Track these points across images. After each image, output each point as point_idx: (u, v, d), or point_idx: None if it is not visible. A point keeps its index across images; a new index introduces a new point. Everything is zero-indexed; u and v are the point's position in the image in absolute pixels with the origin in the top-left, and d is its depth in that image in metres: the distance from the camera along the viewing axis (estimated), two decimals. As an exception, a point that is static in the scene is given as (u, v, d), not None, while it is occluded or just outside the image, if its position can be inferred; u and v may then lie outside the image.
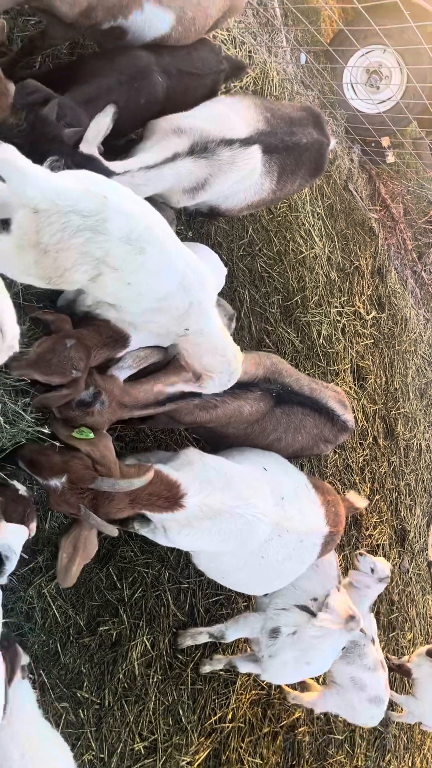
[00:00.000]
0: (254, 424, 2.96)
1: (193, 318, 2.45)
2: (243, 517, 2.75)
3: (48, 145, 2.43)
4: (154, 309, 2.38)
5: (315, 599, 3.31)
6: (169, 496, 2.61)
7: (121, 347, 2.56)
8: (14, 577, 2.82)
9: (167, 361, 2.75)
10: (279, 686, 4.01)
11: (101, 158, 2.46)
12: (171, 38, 2.86)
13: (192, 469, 2.71)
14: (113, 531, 2.41)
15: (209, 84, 3.02)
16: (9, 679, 2.22)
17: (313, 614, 3.21)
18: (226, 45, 4.44)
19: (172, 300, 2.37)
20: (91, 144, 2.47)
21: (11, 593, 2.84)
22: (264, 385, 2.93)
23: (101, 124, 2.50)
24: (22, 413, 2.42)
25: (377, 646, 3.89)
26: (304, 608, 3.26)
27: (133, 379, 2.69)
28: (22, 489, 2.41)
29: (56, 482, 2.38)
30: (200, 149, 2.70)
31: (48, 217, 1.97)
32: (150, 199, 2.63)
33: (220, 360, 2.60)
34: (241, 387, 2.87)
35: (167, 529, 2.71)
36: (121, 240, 2.08)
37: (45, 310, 2.54)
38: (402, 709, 4.72)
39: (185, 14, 2.82)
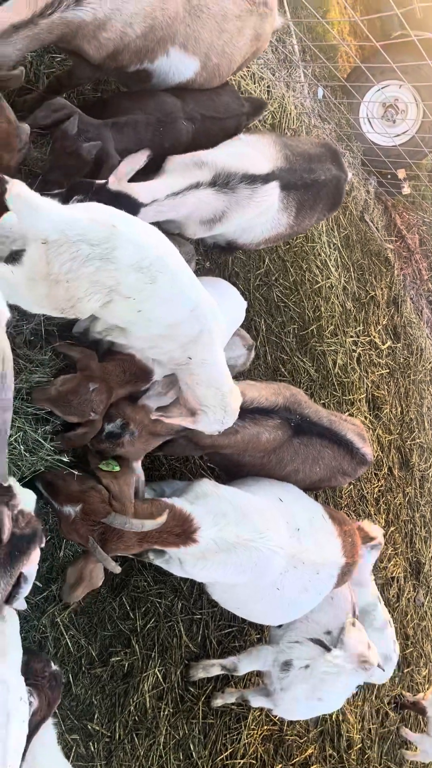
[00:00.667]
0: (271, 453, 2.96)
1: (200, 347, 2.44)
2: (258, 550, 2.73)
3: (68, 160, 2.51)
4: (163, 335, 2.39)
5: (329, 632, 3.26)
6: (181, 533, 2.59)
7: (144, 382, 2.58)
8: (28, 605, 2.82)
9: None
10: (291, 722, 3.95)
11: (129, 192, 2.50)
12: (195, 83, 2.93)
13: (206, 502, 2.70)
14: (116, 568, 2.38)
15: (232, 126, 3.08)
16: (42, 718, 2.19)
17: (327, 648, 3.17)
18: (245, 80, 4.54)
19: (182, 327, 2.38)
20: (121, 180, 2.52)
21: (25, 621, 2.83)
22: (283, 413, 2.93)
23: (135, 162, 2.53)
24: (42, 441, 2.44)
25: (382, 606, 3.88)
26: (318, 642, 3.22)
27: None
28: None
29: (70, 510, 2.38)
30: (222, 182, 2.74)
31: (58, 247, 2.00)
32: (167, 235, 2.68)
33: (214, 393, 2.54)
34: (261, 413, 2.88)
35: (182, 562, 2.70)
36: (131, 268, 2.10)
37: (69, 342, 2.56)
38: (416, 748, 4.62)
39: (210, 61, 2.89)
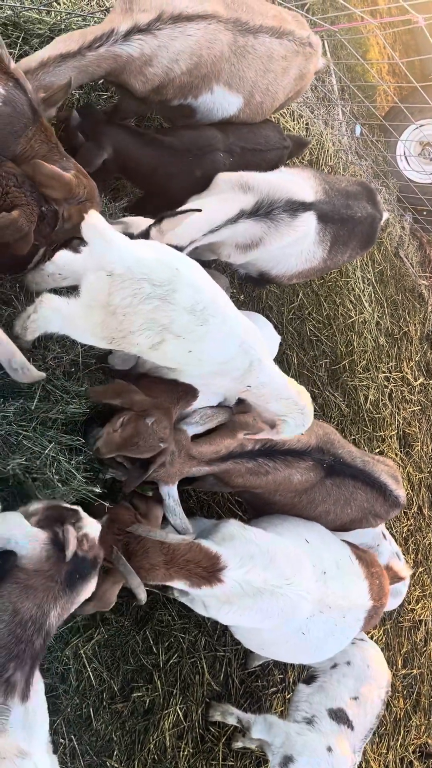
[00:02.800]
0: (302, 494, 2.91)
1: (254, 375, 2.49)
2: (285, 597, 2.66)
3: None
4: (215, 372, 2.44)
5: (356, 698, 3.13)
6: (208, 566, 2.55)
7: (193, 398, 2.63)
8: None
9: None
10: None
11: (168, 242, 2.54)
12: (238, 119, 2.99)
13: (233, 544, 2.65)
14: (141, 590, 2.37)
15: (273, 159, 3.13)
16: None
17: (349, 722, 3.03)
18: (285, 117, 4.60)
19: (232, 363, 2.42)
20: (163, 235, 2.55)
21: (48, 652, 2.80)
22: (316, 455, 2.89)
23: (179, 218, 2.56)
24: (74, 472, 2.44)
25: (389, 539, 3.76)
26: (339, 714, 3.07)
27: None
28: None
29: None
30: (265, 209, 2.76)
31: (122, 281, 2.06)
32: (202, 264, 2.71)
33: (286, 403, 2.60)
34: (294, 455, 2.84)
35: (207, 606, 2.64)
36: (185, 310, 2.15)
37: (112, 385, 2.55)
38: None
39: (253, 98, 2.94)
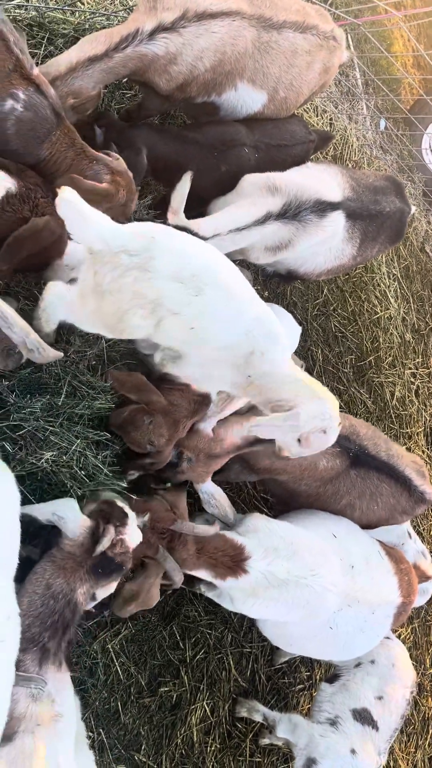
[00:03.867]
0: (327, 483, 2.90)
1: (258, 361, 2.33)
2: (310, 588, 2.67)
3: None
4: (215, 359, 2.33)
5: (381, 698, 3.11)
6: (234, 555, 2.59)
7: (206, 406, 2.59)
8: (80, 630, 2.83)
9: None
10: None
11: (189, 226, 2.55)
12: (263, 116, 2.98)
13: (257, 536, 2.68)
14: (176, 571, 2.45)
15: (299, 154, 3.11)
16: None
17: (374, 722, 3.00)
18: (308, 113, 4.58)
19: (236, 348, 2.29)
20: (177, 213, 2.57)
21: (77, 647, 2.84)
22: (342, 442, 2.87)
23: (182, 191, 2.60)
24: (101, 466, 2.47)
25: (414, 537, 3.65)
26: (363, 714, 3.05)
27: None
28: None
29: (138, 521, 2.41)
30: (293, 211, 2.75)
31: (102, 257, 2.04)
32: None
33: (291, 387, 2.36)
34: None
35: (233, 599, 2.66)
36: (169, 278, 2.08)
37: (120, 376, 2.57)
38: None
39: (278, 94, 2.93)
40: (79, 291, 2.16)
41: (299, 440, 2.33)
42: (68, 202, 2.01)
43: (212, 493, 2.67)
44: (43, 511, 2.14)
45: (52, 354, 2.32)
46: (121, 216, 2.41)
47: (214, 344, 2.28)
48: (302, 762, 2.95)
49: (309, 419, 2.29)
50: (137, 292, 2.07)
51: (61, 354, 2.39)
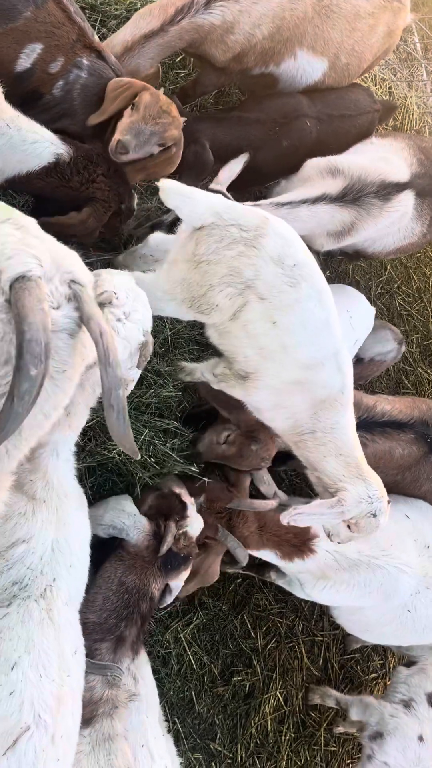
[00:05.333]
0: (405, 471, 2.78)
1: (335, 408, 2.14)
2: (383, 569, 2.58)
3: None
4: (296, 381, 2.11)
5: None
6: (299, 533, 2.51)
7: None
8: (152, 620, 2.81)
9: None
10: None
11: (228, 195, 2.47)
12: (324, 85, 2.85)
13: None
14: (239, 549, 2.42)
15: (364, 124, 2.96)
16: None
17: None
18: (366, 82, 4.38)
19: (320, 372, 2.09)
20: (220, 183, 2.49)
21: (150, 636, 2.83)
22: (420, 428, 2.75)
23: (234, 168, 2.53)
24: (170, 453, 2.43)
25: None
26: None
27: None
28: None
29: (195, 502, 2.39)
30: (353, 195, 2.62)
31: (210, 230, 1.99)
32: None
33: (345, 462, 2.16)
34: (393, 427, 2.71)
35: (303, 583, 2.59)
36: (272, 260, 2.00)
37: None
38: None
39: (339, 60, 2.79)
40: (169, 260, 2.11)
41: (348, 526, 2.20)
42: (170, 190, 2.00)
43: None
44: (104, 526, 2.13)
45: None
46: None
47: (297, 356, 2.08)
48: (369, 732, 2.88)
49: (355, 504, 2.13)
50: (234, 268, 2.00)
51: None
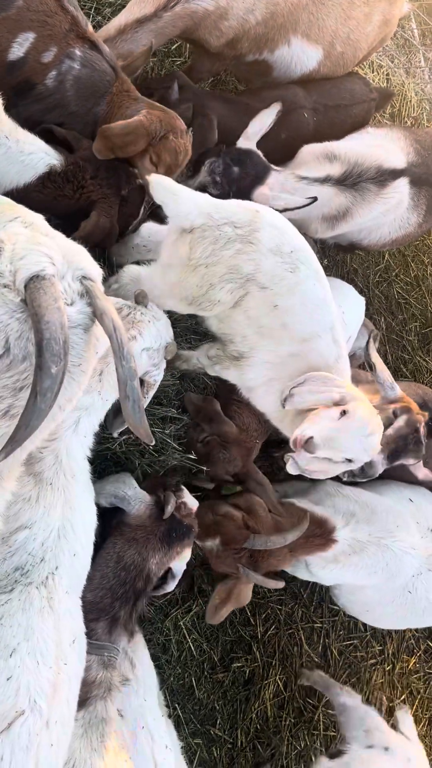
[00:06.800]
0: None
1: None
2: (390, 550, 2.63)
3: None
4: (291, 354, 2.16)
5: None
6: (322, 533, 2.53)
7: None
8: (152, 607, 2.84)
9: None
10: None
11: (260, 153, 2.47)
12: (318, 74, 2.83)
13: (333, 502, 2.64)
14: (278, 584, 2.38)
15: (360, 114, 2.95)
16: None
17: None
18: (363, 69, 4.36)
19: (317, 343, 2.14)
20: (250, 139, 2.49)
21: (149, 624, 2.85)
22: (421, 408, 2.76)
23: (265, 119, 2.52)
24: (168, 440, 2.45)
25: None
26: None
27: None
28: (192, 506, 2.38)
29: (211, 544, 2.38)
30: (352, 180, 2.62)
31: (202, 232, 2.00)
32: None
33: None
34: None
35: (309, 564, 2.62)
36: (271, 251, 2.03)
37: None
38: None
39: (334, 49, 2.77)
40: (164, 263, 2.13)
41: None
42: (159, 185, 2.02)
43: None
44: (105, 495, 2.14)
45: None
46: (167, 158, 2.31)
47: (295, 332, 2.13)
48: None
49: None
50: (233, 266, 2.04)
51: None
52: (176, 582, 2.22)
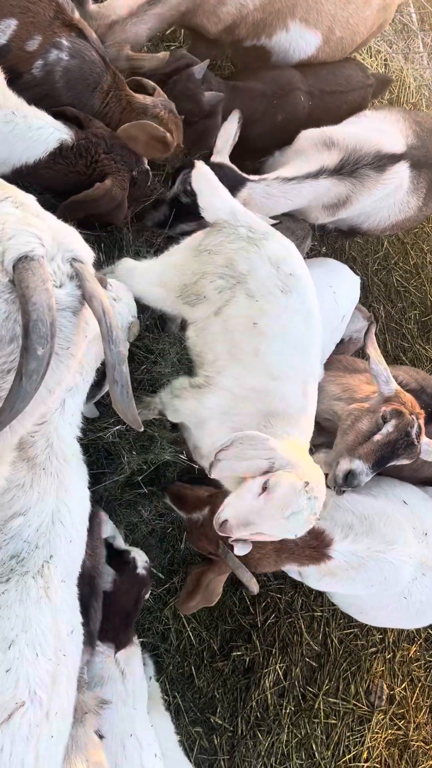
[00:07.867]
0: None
1: (289, 424, 2.02)
2: (389, 563, 2.54)
3: (185, 103, 2.49)
4: (255, 389, 2.03)
5: None
6: (317, 545, 2.44)
7: None
8: (151, 597, 2.83)
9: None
10: (417, 727, 3.76)
11: (233, 166, 2.46)
12: (317, 59, 2.80)
13: (329, 514, 2.51)
14: (253, 585, 2.24)
15: (356, 100, 2.93)
16: None
17: None
18: (360, 54, 4.32)
19: (284, 386, 2.01)
20: (221, 152, 2.47)
21: (148, 613, 2.85)
22: (421, 396, 2.73)
23: (229, 130, 2.50)
24: (156, 436, 2.43)
25: None
26: None
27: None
28: (141, 565, 2.36)
29: (198, 515, 2.36)
30: (350, 167, 2.59)
31: (222, 227, 2.12)
32: (286, 213, 2.59)
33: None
34: None
35: (306, 577, 2.56)
36: (270, 261, 2.07)
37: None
38: None
39: (333, 34, 2.74)
40: (173, 248, 2.25)
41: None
42: (204, 176, 2.13)
43: None
44: None
45: None
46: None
47: (266, 364, 2.01)
48: None
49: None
50: (230, 259, 2.09)
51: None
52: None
